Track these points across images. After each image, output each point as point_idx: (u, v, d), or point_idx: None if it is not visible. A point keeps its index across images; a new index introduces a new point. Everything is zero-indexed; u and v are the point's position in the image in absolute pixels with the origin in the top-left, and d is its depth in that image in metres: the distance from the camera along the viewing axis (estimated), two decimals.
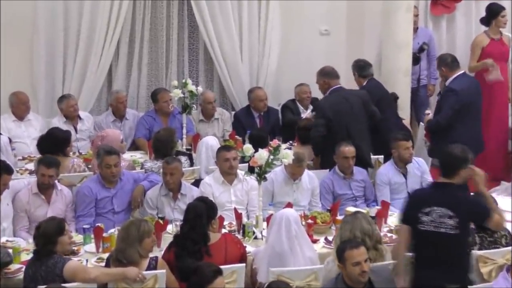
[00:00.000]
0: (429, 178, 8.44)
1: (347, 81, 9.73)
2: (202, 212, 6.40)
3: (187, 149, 9.27)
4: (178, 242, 6.36)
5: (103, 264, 6.33)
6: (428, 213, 6.12)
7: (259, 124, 10.15)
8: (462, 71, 9.02)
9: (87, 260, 6.55)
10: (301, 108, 10.38)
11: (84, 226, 7.08)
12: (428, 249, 6.13)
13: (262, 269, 6.27)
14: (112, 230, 7.04)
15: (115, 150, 7.77)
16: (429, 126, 9.00)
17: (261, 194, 7.34)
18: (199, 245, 6.29)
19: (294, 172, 7.94)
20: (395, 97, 10.07)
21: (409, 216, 6.25)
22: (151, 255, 6.15)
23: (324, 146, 8.51)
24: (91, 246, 6.85)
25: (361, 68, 9.43)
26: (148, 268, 6.04)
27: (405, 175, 8.37)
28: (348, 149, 8.19)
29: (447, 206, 6.07)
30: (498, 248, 6.59)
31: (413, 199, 6.37)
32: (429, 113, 9.11)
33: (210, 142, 8.73)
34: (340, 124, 8.55)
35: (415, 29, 10.80)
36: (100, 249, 6.78)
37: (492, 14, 10.58)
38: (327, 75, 8.90)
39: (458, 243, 6.15)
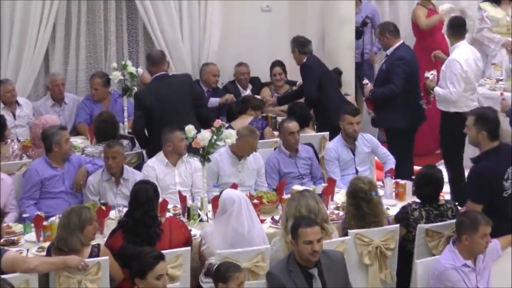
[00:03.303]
0: (383, 151, 8.43)
1: (290, 58, 9.64)
2: (153, 195, 6.31)
3: (129, 133, 9.10)
4: (129, 228, 6.21)
5: (44, 253, 6.16)
6: (508, 177, 6.20)
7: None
8: (402, 41, 9.01)
9: (27, 250, 6.40)
10: (240, 89, 10.30)
11: (24, 215, 6.91)
12: (506, 213, 6.25)
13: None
14: (53, 218, 6.87)
15: (65, 126, 7.90)
16: (381, 95, 8.86)
17: (205, 176, 7.24)
18: (152, 229, 6.20)
19: (251, 146, 7.78)
20: (338, 72, 10.04)
21: (492, 190, 6.21)
22: (93, 242, 6.02)
23: (151, 136, 8.23)
24: (31, 235, 6.68)
25: (301, 44, 9.35)
26: (91, 256, 5.91)
27: (353, 151, 8.30)
28: (292, 124, 8.10)
29: None
30: (444, 221, 6.58)
31: (490, 172, 6.25)
32: (367, 82, 9.04)
33: None
34: (163, 109, 8.18)
35: (359, 3, 10.76)
36: (41, 238, 6.61)
37: None
38: (152, 63, 8.46)
39: None
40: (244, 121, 8.96)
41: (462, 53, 8.70)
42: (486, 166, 6.21)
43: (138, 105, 8.32)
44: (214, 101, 9.92)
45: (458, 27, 8.86)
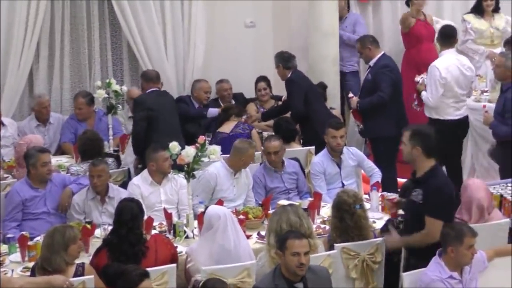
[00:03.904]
0: (369, 164, 8.45)
1: (275, 72, 9.64)
2: (138, 213, 6.29)
3: (114, 151, 9.09)
4: (113, 247, 6.19)
5: (29, 273, 6.10)
6: None
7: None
8: (383, 52, 9.12)
9: (12, 271, 6.36)
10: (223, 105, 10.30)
11: (9, 235, 6.86)
12: None
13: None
14: (38, 238, 6.83)
15: (47, 149, 7.80)
16: (370, 103, 8.90)
17: (190, 192, 7.21)
18: (138, 246, 6.17)
19: (252, 158, 7.93)
20: (323, 87, 10.05)
21: (453, 205, 6.25)
22: (78, 261, 5.99)
23: (145, 145, 8.19)
24: (16, 256, 6.64)
25: (285, 59, 9.38)
26: (75, 275, 5.88)
27: (339, 165, 8.28)
28: (272, 144, 8.08)
29: None
30: None
31: (450, 188, 6.20)
32: (352, 96, 9.09)
33: None
34: (159, 117, 8.36)
35: (346, 12, 11.00)
36: (26, 258, 6.57)
37: None
38: (148, 80, 8.71)
39: None
40: (229, 125, 9.09)
41: (444, 60, 8.81)
42: (445, 181, 6.17)
43: (139, 108, 8.46)
44: (213, 111, 9.93)
45: (447, 36, 8.98)
